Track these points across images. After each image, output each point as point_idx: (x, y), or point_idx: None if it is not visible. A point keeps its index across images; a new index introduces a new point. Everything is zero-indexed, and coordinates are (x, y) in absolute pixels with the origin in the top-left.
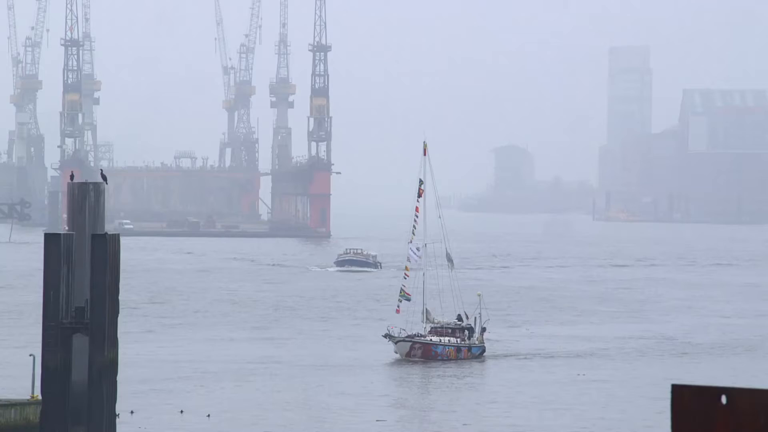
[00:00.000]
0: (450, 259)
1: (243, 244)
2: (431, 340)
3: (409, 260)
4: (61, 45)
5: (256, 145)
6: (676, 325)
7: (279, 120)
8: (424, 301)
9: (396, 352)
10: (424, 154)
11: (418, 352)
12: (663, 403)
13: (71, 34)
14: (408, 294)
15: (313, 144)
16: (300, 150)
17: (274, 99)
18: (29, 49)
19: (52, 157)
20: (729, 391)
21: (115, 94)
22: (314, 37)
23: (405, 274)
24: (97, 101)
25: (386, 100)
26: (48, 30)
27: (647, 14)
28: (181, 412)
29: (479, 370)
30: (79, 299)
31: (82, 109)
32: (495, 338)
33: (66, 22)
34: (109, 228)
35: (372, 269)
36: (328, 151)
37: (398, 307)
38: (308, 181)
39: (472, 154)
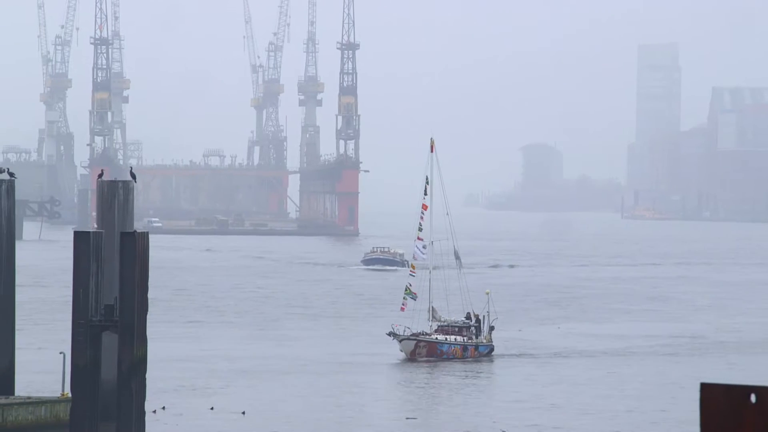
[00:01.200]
0: (458, 257)
1: (271, 242)
2: (437, 338)
3: (414, 258)
4: (91, 43)
5: (285, 143)
6: (706, 323)
7: (307, 118)
8: (430, 299)
9: (402, 351)
10: (431, 151)
11: (423, 351)
12: (693, 401)
13: (101, 32)
14: (414, 293)
15: (342, 142)
16: (328, 148)
17: (302, 97)
18: (59, 47)
19: (81, 156)
20: (758, 390)
21: (144, 93)
22: (343, 36)
23: (410, 271)
24: (126, 99)
25: (414, 98)
26: (78, 28)
27: (676, 11)
28: (212, 408)
29: (496, 369)
30: (109, 297)
31: (111, 107)
32: (525, 336)
33: (95, 20)
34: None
35: (399, 268)
36: (356, 149)
37: (403, 305)
38: (336, 180)
39: (500, 152)
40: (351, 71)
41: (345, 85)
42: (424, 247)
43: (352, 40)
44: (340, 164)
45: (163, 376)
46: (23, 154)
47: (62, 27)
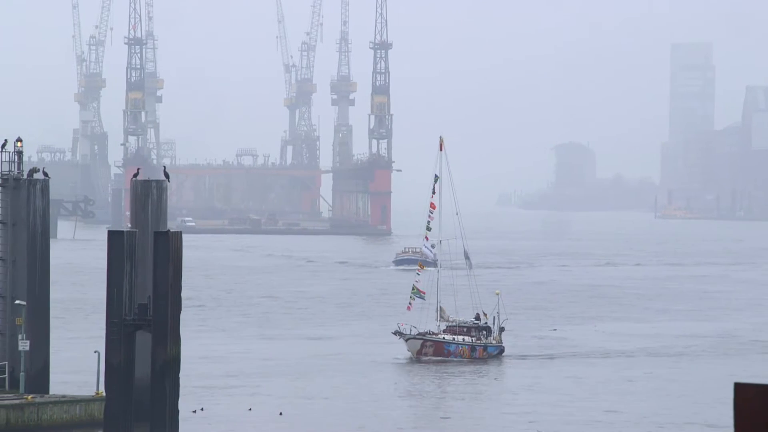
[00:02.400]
0: (467, 257)
1: (303, 241)
2: (444, 338)
3: (423, 256)
4: (125, 43)
5: (317, 142)
6: (742, 322)
7: (340, 118)
8: (438, 298)
9: (409, 350)
10: (440, 150)
11: (430, 351)
12: (727, 401)
13: (134, 32)
14: (422, 291)
15: (374, 141)
16: (361, 147)
17: (335, 97)
18: (93, 47)
19: (115, 155)
20: None
21: (177, 92)
22: (375, 35)
23: (418, 270)
24: (159, 99)
25: (446, 96)
26: (112, 29)
27: (710, 10)
28: (249, 409)
29: (527, 368)
30: (142, 296)
31: (145, 107)
32: (561, 336)
33: (129, 20)
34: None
35: (430, 268)
36: (389, 148)
37: (410, 304)
38: (369, 179)
39: (533, 151)
40: (383, 71)
41: (378, 84)
42: (432, 246)
43: (384, 39)
44: (373, 164)
45: (200, 374)
46: (58, 154)
47: (96, 27)
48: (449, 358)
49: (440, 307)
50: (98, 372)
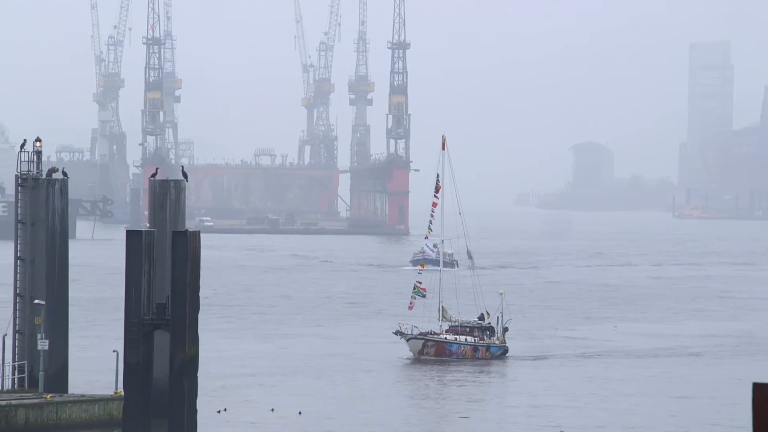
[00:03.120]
0: (470, 257)
1: (321, 241)
2: (446, 338)
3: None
4: (143, 43)
5: (335, 142)
6: (760, 322)
7: (358, 117)
8: (440, 298)
9: (410, 351)
10: (443, 149)
11: (431, 351)
12: (745, 401)
13: (153, 32)
14: (423, 290)
15: (392, 141)
16: (379, 147)
17: (353, 96)
18: (112, 47)
19: (133, 155)
20: None
21: (195, 92)
22: (393, 35)
23: (419, 270)
24: (178, 99)
25: (464, 96)
26: (130, 29)
27: (728, 9)
28: (272, 410)
29: (546, 369)
30: (160, 296)
31: (163, 107)
32: (582, 336)
33: (148, 20)
34: (190, 225)
35: (448, 268)
36: (407, 148)
37: (411, 303)
38: (387, 179)
39: (551, 151)
40: (401, 70)
41: (395, 84)
42: (434, 246)
43: (402, 39)
44: (391, 163)
45: (219, 374)
46: (76, 154)
47: (115, 27)
48: (451, 359)
49: (442, 307)
50: (117, 371)
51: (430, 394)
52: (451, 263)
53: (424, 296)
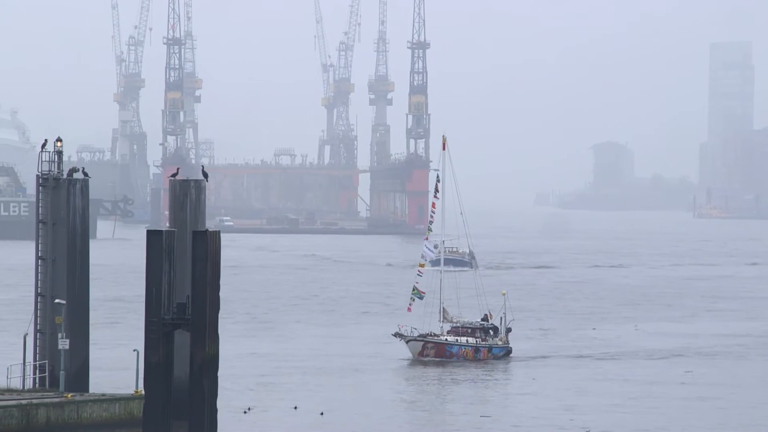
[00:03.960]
0: (473, 257)
1: (341, 241)
2: (446, 339)
3: (423, 257)
4: (164, 43)
5: (355, 142)
6: None
7: (377, 117)
8: (441, 299)
9: (410, 352)
10: (443, 149)
11: (431, 352)
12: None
13: (173, 32)
14: (422, 291)
15: (412, 141)
16: (398, 147)
17: (372, 96)
18: (132, 47)
19: (154, 155)
20: None
21: (216, 92)
22: (413, 35)
23: (418, 271)
24: (198, 99)
25: (484, 97)
26: (151, 29)
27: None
28: (295, 408)
29: (566, 368)
30: (181, 295)
31: (183, 107)
32: (602, 336)
33: (168, 20)
34: (210, 225)
35: (467, 268)
36: (427, 148)
37: (410, 305)
38: (407, 178)
39: (571, 151)
40: (421, 70)
41: (415, 84)
42: (435, 246)
43: (422, 39)
44: (411, 163)
45: (244, 374)
46: (97, 154)
47: (135, 27)
48: (452, 360)
49: (443, 308)
50: (137, 370)
51: (445, 395)
52: (469, 263)
53: (422, 298)
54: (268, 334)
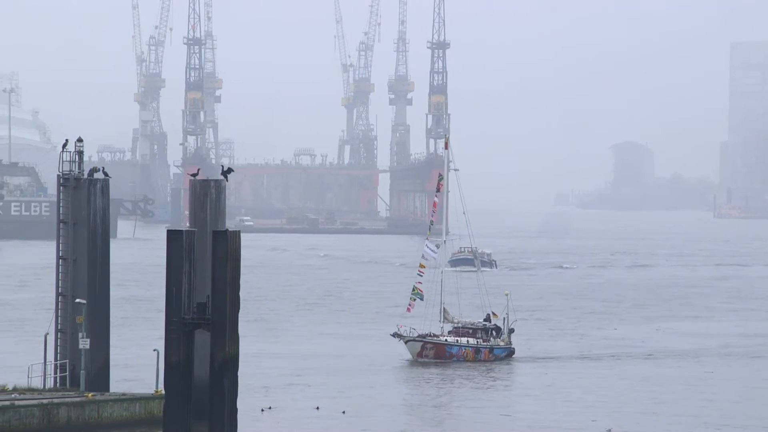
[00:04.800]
0: (476, 257)
1: (361, 240)
2: (446, 340)
3: (424, 257)
4: (184, 44)
5: (375, 142)
6: None
7: (397, 117)
8: (442, 300)
9: (410, 352)
10: (446, 148)
11: (430, 353)
12: None
13: (194, 32)
14: (421, 291)
15: (432, 141)
16: (418, 147)
17: (392, 96)
18: (153, 48)
19: (174, 155)
20: None
21: (236, 92)
22: (433, 35)
23: (419, 271)
24: (218, 99)
25: (504, 96)
26: (171, 29)
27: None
28: (317, 408)
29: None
30: (201, 295)
31: (203, 107)
32: (624, 336)
33: (188, 21)
34: (230, 224)
35: (487, 268)
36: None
37: (410, 305)
38: (426, 178)
39: (591, 151)
40: (441, 70)
41: (435, 84)
42: (437, 246)
43: (442, 39)
44: (430, 163)
45: (266, 373)
46: (118, 154)
47: (156, 28)
48: (451, 361)
49: (444, 309)
50: (157, 370)
51: (465, 394)
52: (489, 263)
53: (422, 298)
54: (280, 334)
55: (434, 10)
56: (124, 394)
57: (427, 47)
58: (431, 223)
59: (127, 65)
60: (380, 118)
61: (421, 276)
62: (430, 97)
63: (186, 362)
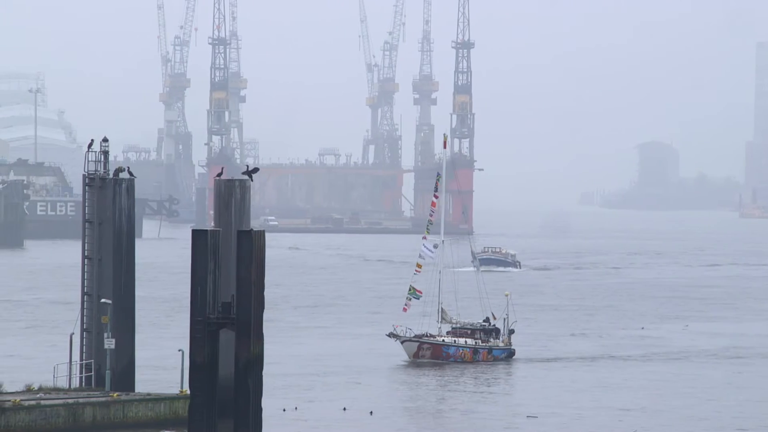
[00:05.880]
0: (474, 257)
1: (385, 240)
2: (443, 341)
3: (421, 257)
4: (209, 44)
5: (399, 142)
6: None
7: (422, 117)
8: (439, 300)
9: (406, 353)
10: (444, 147)
11: (427, 353)
12: None
13: (218, 32)
14: (419, 291)
15: (456, 140)
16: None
17: (417, 96)
18: (178, 48)
19: (199, 155)
20: None
21: (260, 92)
22: (457, 35)
23: (416, 270)
24: (243, 99)
25: (529, 96)
26: (196, 29)
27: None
28: (344, 409)
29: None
30: (226, 295)
31: (228, 106)
32: (653, 335)
33: (213, 21)
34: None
35: (511, 269)
36: (471, 147)
37: (406, 305)
38: (451, 178)
39: (616, 151)
40: (466, 70)
41: (460, 83)
42: (435, 246)
43: (466, 38)
44: (455, 163)
45: (290, 373)
46: (143, 154)
47: (181, 28)
48: (448, 362)
49: (442, 309)
50: (182, 370)
51: (488, 394)
52: (513, 264)
53: (419, 298)
54: (316, 333)
55: (459, 10)
56: (149, 394)
57: (452, 47)
58: (429, 222)
59: (152, 65)
60: (404, 117)
61: (417, 275)
62: (454, 97)
63: (211, 362)
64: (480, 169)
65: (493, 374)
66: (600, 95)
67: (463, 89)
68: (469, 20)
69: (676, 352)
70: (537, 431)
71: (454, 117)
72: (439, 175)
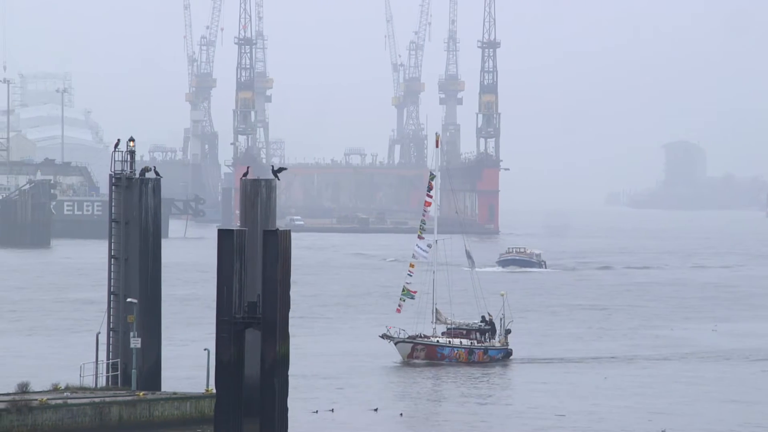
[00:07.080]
0: (469, 257)
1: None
2: (437, 341)
3: (414, 257)
4: (235, 43)
5: (425, 141)
6: None
7: (448, 116)
8: (434, 300)
9: (400, 354)
10: (437, 146)
11: (422, 354)
12: None
13: (245, 32)
14: (413, 292)
15: (482, 140)
16: (468, 146)
17: (442, 96)
18: (204, 47)
19: (225, 155)
20: None
21: (286, 92)
22: (483, 34)
23: (409, 271)
24: (269, 99)
25: (555, 95)
26: (222, 29)
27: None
28: (376, 410)
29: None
30: (252, 294)
31: (254, 106)
32: (679, 335)
33: (239, 20)
34: (281, 224)
35: (536, 269)
36: (497, 147)
37: (399, 306)
38: (477, 178)
39: (643, 150)
40: (491, 69)
41: (485, 83)
42: (428, 246)
43: (492, 38)
44: (481, 162)
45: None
46: (169, 153)
47: (207, 28)
48: (443, 362)
49: (436, 309)
50: (208, 369)
51: (516, 395)
52: (539, 264)
53: (413, 298)
54: (345, 332)
55: (485, 10)
56: (175, 393)
57: (478, 46)
58: (423, 222)
59: (179, 65)
60: (430, 117)
61: (411, 276)
62: (480, 97)
63: (237, 361)
64: (506, 169)
65: (498, 375)
66: (626, 95)
67: (488, 89)
68: (495, 20)
69: (703, 352)
70: (563, 430)
71: (480, 117)
72: (433, 175)
